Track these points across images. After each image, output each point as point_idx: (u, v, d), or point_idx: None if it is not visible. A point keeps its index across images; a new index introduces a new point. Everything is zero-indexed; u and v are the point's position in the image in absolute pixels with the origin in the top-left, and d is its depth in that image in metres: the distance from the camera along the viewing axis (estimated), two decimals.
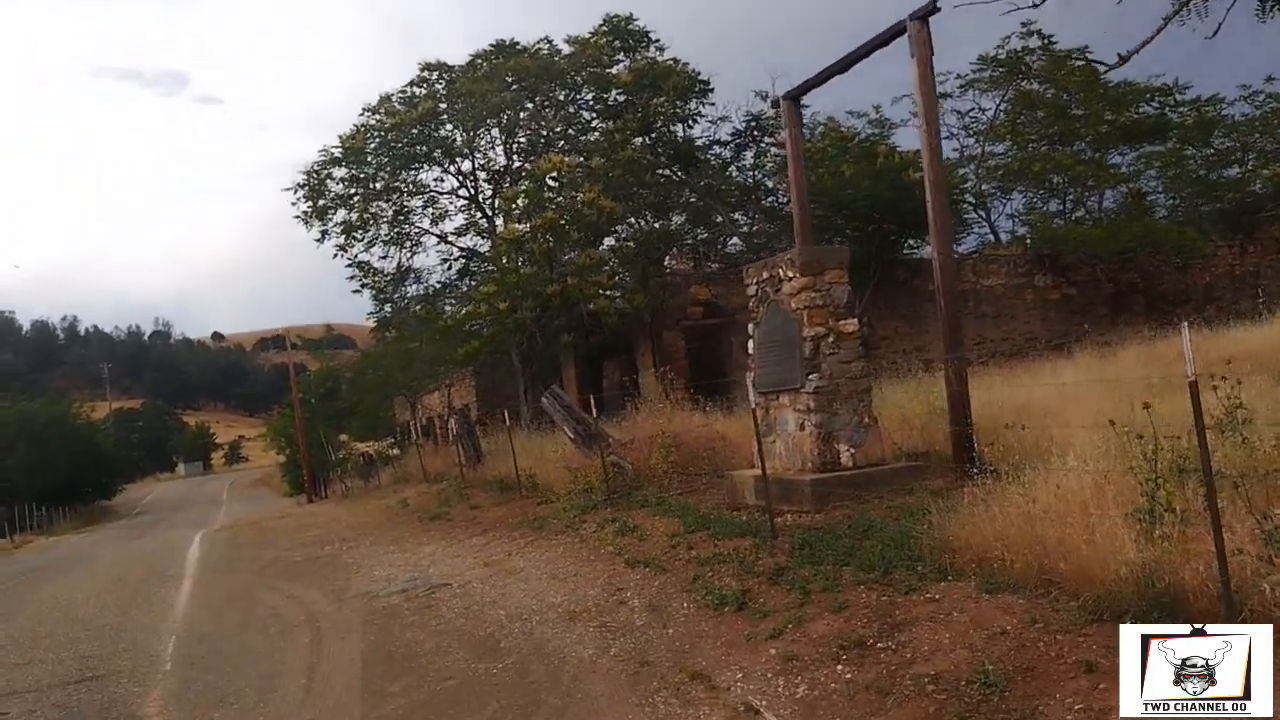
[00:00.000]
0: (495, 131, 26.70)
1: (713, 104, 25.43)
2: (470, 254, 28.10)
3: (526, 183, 23.10)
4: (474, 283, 27.31)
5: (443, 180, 27.84)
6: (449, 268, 28.39)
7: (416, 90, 26.80)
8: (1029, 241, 29.21)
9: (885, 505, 9.49)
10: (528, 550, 11.90)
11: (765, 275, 11.26)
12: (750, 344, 11.75)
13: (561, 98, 26.27)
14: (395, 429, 49.14)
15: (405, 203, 27.33)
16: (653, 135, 25.69)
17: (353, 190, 26.82)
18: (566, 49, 26.33)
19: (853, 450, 10.49)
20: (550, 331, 22.95)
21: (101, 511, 63.17)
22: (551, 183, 22.42)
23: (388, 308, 28.24)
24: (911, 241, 26.95)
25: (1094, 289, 28.21)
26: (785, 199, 27.79)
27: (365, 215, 26.68)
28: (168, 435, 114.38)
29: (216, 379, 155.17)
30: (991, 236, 31.03)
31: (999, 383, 14.88)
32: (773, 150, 26.50)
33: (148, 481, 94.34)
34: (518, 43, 26.78)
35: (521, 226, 22.27)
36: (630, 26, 25.45)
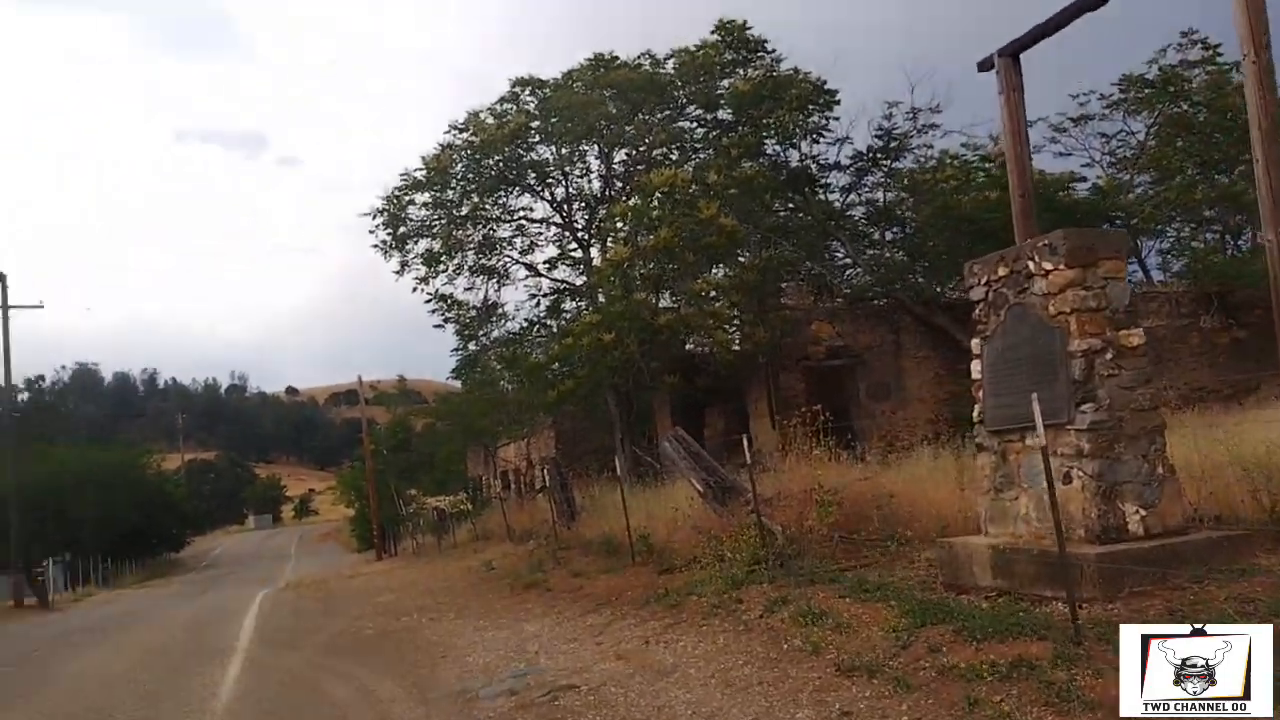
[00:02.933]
0: (592, 153, 24.32)
1: (837, 118, 22.75)
2: (561, 289, 25.61)
3: (634, 199, 20.56)
4: (565, 320, 24.76)
5: (533, 209, 25.55)
6: (537, 304, 25.92)
7: (506, 107, 24.59)
8: (1190, 278, 25.84)
9: (1224, 595, 6.44)
10: (671, 638, 9.01)
11: (1003, 271, 8.35)
12: (975, 366, 8.82)
13: (663, 116, 23.80)
14: (468, 483, 46.79)
15: (493, 230, 25.01)
16: (766, 156, 23.08)
17: (436, 215, 24.57)
18: (670, 64, 23.90)
19: (1143, 512, 7.45)
20: (654, 371, 20.18)
21: (168, 564, 61.64)
22: (661, 199, 19.82)
23: (472, 345, 25.78)
24: None
25: (1269, 332, 24.66)
26: (913, 227, 24.88)
27: (450, 241, 24.35)
28: (240, 487, 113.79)
29: (289, 432, 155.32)
30: (1140, 273, 27.65)
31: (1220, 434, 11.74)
32: (903, 164, 23.61)
33: (217, 534, 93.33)
34: (616, 56, 24.46)
35: (627, 249, 19.64)
36: (745, 33, 22.98)
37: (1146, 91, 26.68)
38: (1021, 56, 9.57)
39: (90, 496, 49.97)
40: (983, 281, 8.65)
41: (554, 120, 23.37)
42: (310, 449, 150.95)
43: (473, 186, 24.37)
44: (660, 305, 20.37)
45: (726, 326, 20.20)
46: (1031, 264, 7.99)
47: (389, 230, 24.78)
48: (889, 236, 24.65)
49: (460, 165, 24.22)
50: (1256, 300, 24.53)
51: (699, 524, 13.31)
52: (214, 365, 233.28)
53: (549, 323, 26.09)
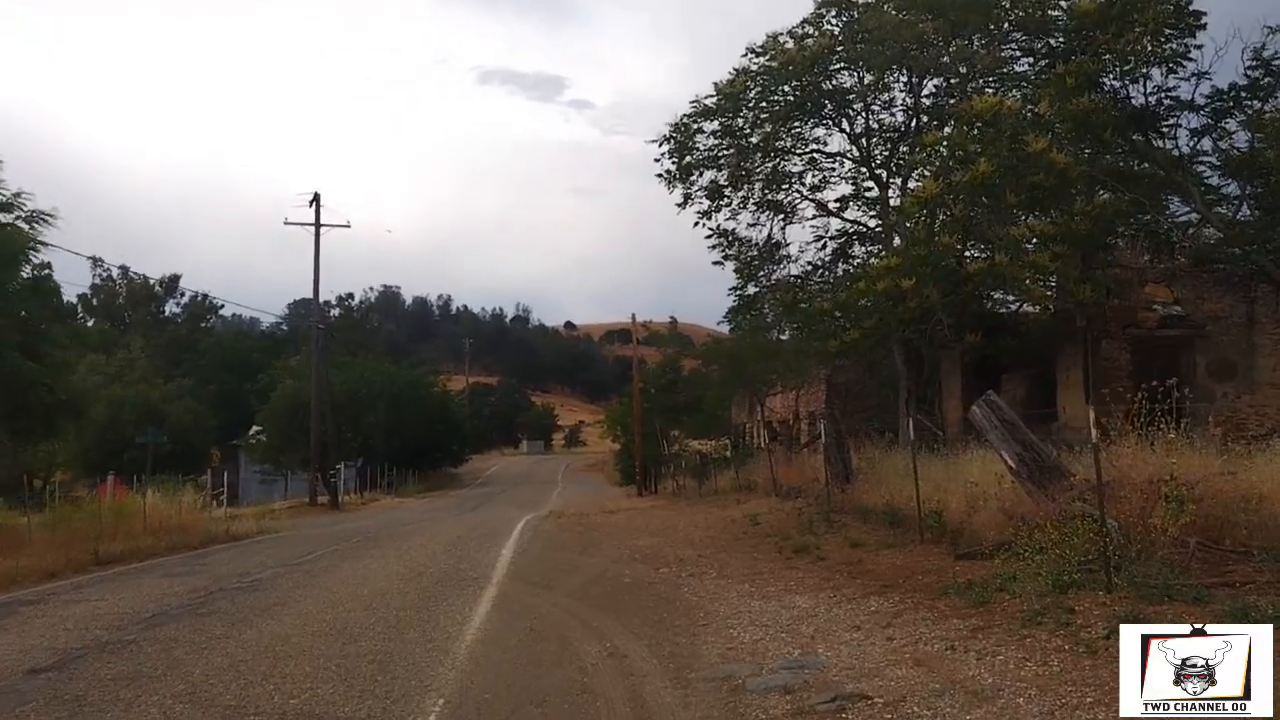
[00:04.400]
0: (899, 83, 22.09)
1: (1200, 46, 19.18)
2: (851, 231, 23.66)
3: (950, 126, 18.30)
4: (852, 266, 22.88)
5: (827, 142, 23.69)
6: (823, 246, 24.14)
7: (808, 30, 22.75)
8: None
9: None
10: (983, 646, 7.30)
11: None
12: None
13: (985, 40, 21.12)
14: (731, 430, 46.04)
15: (782, 163, 23.41)
16: (1103, 90, 19.96)
17: (724, 144, 23.27)
18: None
19: None
20: (956, 328, 18.00)
21: (447, 478, 65.34)
22: (982, 129, 17.40)
23: (751, 286, 24.49)
24: None
25: None
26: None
27: (737, 173, 23.00)
28: (516, 412, 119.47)
29: (565, 364, 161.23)
30: None
31: None
32: (1271, 106, 19.67)
33: (493, 455, 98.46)
34: None
35: (937, 184, 17.43)
36: None
37: None
38: None
39: (383, 408, 53.35)
40: None
41: (860, 45, 21.32)
42: (583, 382, 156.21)
43: (765, 115, 22.84)
44: (966, 254, 18.08)
45: (1048, 281, 17.61)
46: None
47: (674, 159, 23.78)
48: (1248, 190, 20.83)
49: (754, 91, 22.72)
50: None
51: (1008, 506, 11.38)
52: (501, 296, 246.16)
53: (834, 267, 24.31)
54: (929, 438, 18.74)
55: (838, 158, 24.01)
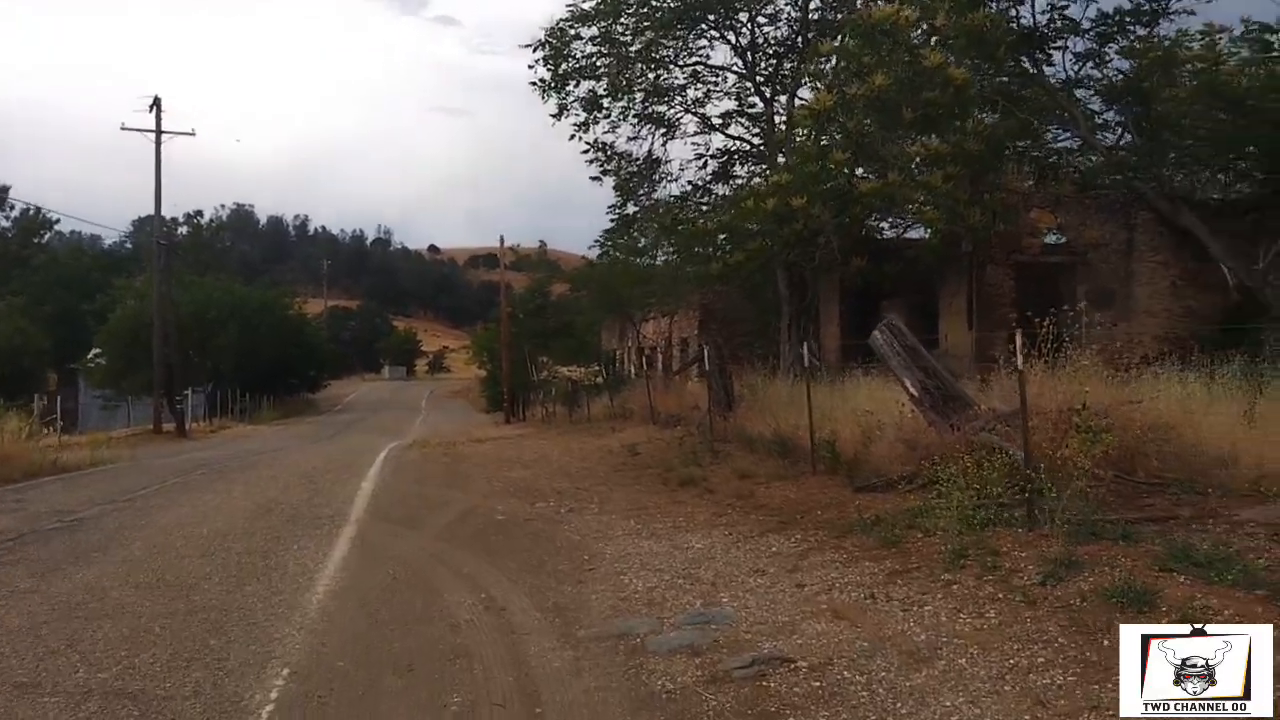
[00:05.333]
0: None
1: None
2: (733, 150, 22.72)
3: (844, 36, 17.43)
4: (735, 187, 22.00)
5: (710, 55, 22.60)
6: (704, 165, 23.16)
7: None
8: None
9: None
10: (906, 594, 6.57)
11: None
12: None
13: None
14: (602, 356, 45.27)
15: (663, 76, 22.22)
16: (996, 7, 19.45)
17: (602, 50, 21.88)
18: None
19: None
20: (843, 250, 17.36)
21: (304, 404, 62.77)
22: (879, 40, 16.53)
23: (631, 206, 23.38)
24: None
25: None
26: (1162, 108, 20.94)
27: (618, 82, 21.69)
28: (377, 337, 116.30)
29: (429, 289, 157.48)
30: None
31: None
32: (1159, 32, 19.52)
33: (353, 380, 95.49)
34: None
35: (830, 96, 16.58)
36: None
37: None
38: None
39: (234, 331, 50.44)
40: None
41: None
42: (447, 307, 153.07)
43: (646, 23, 21.54)
44: (857, 173, 17.40)
45: (934, 203, 17.04)
46: None
47: (550, 67, 22.29)
48: (1129, 117, 20.78)
49: None
50: None
51: (908, 436, 10.77)
52: (362, 217, 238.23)
53: (715, 188, 23.43)
54: (810, 365, 18.23)
55: (722, 72, 23.03)
